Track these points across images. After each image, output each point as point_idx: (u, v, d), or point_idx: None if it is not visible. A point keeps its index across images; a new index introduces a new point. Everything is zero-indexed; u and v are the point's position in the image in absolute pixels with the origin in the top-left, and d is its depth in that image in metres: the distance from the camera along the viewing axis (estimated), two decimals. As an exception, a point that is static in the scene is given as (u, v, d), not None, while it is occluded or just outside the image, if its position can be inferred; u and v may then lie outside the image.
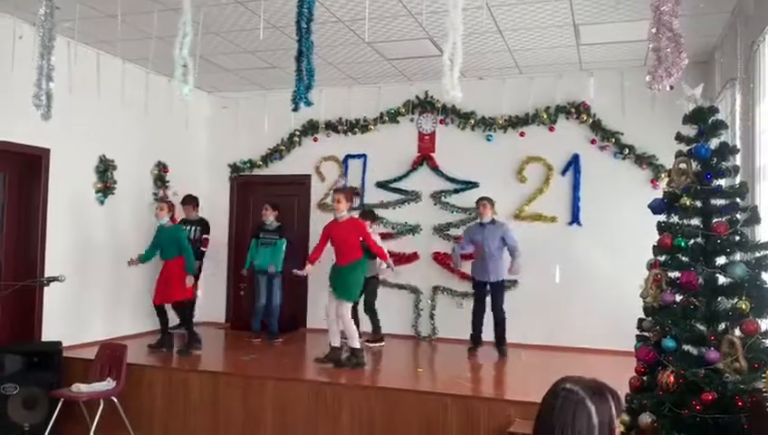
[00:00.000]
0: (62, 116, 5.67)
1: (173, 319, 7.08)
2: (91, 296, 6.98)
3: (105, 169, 7.16)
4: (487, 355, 6.87)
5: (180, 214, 7.69)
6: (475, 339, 6.97)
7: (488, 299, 6.95)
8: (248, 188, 8.91)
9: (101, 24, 6.16)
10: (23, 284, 5.72)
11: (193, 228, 7.83)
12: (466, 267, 7.25)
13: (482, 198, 7.01)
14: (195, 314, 7.60)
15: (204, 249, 7.89)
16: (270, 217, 7.63)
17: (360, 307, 7.31)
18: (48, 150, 6.46)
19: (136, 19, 5.93)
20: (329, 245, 6.36)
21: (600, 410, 1.66)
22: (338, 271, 6.27)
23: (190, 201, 7.87)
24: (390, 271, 7.08)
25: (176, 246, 6.72)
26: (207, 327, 8.53)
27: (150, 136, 7.82)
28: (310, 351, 7.40)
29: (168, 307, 6.90)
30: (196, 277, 7.68)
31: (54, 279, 4.87)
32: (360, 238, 6.27)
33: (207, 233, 7.94)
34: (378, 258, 6.67)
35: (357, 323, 7.04)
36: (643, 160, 7.25)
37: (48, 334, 6.34)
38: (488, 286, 6.90)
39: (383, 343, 7.33)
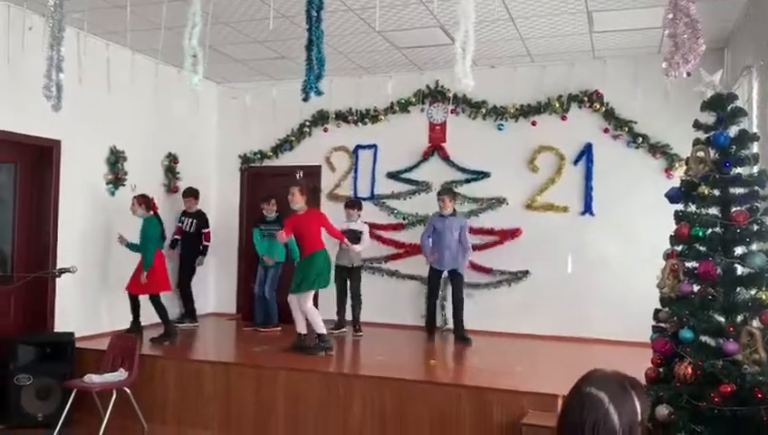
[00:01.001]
0: (73, 107, 5.66)
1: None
2: (103, 287, 7.00)
3: (116, 161, 7.16)
4: (496, 346, 6.84)
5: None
6: (431, 329, 7.18)
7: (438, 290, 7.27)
8: (258, 179, 8.88)
9: (111, 15, 6.14)
10: (35, 275, 5.75)
11: (190, 221, 7.84)
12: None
13: (443, 192, 7.12)
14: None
15: (207, 243, 7.90)
16: (271, 210, 7.79)
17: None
18: (59, 142, 6.46)
19: (145, 9, 5.90)
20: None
21: (624, 410, 1.62)
22: (300, 264, 6.48)
23: (190, 194, 7.85)
24: (352, 249, 7.15)
25: (143, 238, 6.77)
26: (218, 318, 8.56)
27: (160, 127, 7.81)
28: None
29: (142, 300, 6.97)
30: (192, 272, 7.86)
31: (66, 270, 4.87)
32: (322, 227, 6.50)
33: (206, 226, 7.93)
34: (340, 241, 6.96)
35: (343, 315, 7.41)
36: (656, 150, 7.16)
37: (60, 325, 6.36)
38: (443, 275, 7.13)
39: (362, 334, 7.44)
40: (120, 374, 5.59)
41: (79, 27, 6.21)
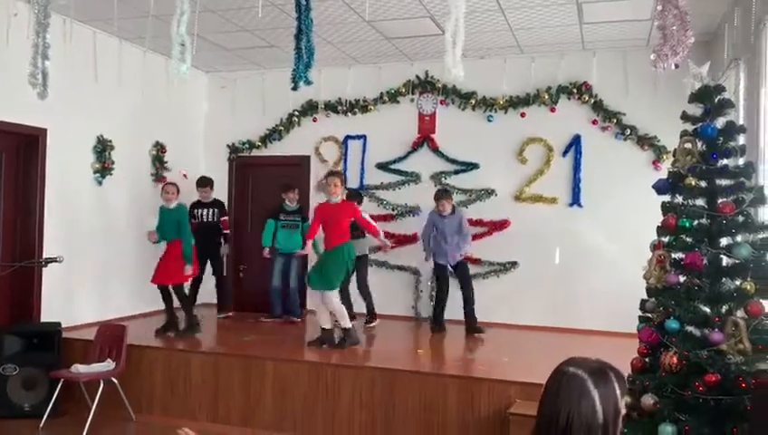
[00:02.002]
0: (59, 95, 5.61)
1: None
2: (90, 277, 6.95)
3: (103, 149, 7.09)
4: (484, 336, 6.87)
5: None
6: (440, 324, 7.06)
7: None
8: (247, 169, 8.85)
9: (97, 2, 6.06)
10: (21, 265, 5.71)
11: (209, 211, 7.72)
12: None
13: (440, 196, 7.01)
14: (195, 298, 7.53)
15: (227, 231, 7.82)
16: (294, 199, 7.64)
17: (354, 287, 7.42)
18: (45, 130, 6.39)
19: (132, -4, 5.84)
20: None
21: (604, 392, 1.64)
22: (325, 256, 6.27)
23: (207, 183, 7.77)
24: (387, 247, 7.06)
25: (175, 229, 6.61)
26: (209, 308, 8.52)
27: (148, 116, 7.74)
28: (310, 332, 7.39)
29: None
30: (220, 262, 7.70)
31: (53, 260, 4.85)
32: (353, 220, 6.31)
33: (225, 214, 7.84)
34: (371, 236, 6.73)
35: (350, 306, 7.15)
36: (644, 141, 7.20)
37: (47, 315, 6.32)
38: (449, 269, 7.04)
39: (377, 322, 7.39)
40: (108, 364, 5.58)
41: (65, 14, 6.13)
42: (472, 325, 6.91)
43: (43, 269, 6.13)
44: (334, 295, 6.19)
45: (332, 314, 6.20)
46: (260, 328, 7.30)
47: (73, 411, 5.67)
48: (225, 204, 8.15)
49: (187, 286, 6.98)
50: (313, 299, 6.40)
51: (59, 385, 5.46)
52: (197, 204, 7.76)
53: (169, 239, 6.65)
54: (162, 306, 6.81)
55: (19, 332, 5.88)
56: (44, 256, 6.12)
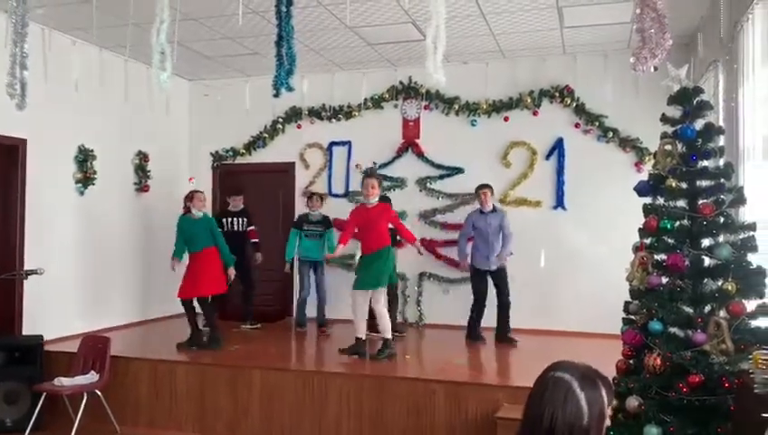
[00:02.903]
0: (39, 105, 5.55)
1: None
2: (72, 289, 6.87)
3: (84, 159, 7.02)
4: (471, 341, 6.86)
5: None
6: (476, 335, 6.82)
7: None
8: (231, 176, 8.80)
9: (76, 11, 6.02)
10: (1, 277, 5.63)
11: (239, 220, 7.62)
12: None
13: (483, 186, 6.83)
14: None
15: (256, 240, 7.72)
16: (318, 209, 7.51)
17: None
18: (25, 141, 6.32)
19: (111, 5, 5.80)
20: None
21: (590, 396, 1.65)
22: (366, 260, 6.07)
23: (240, 191, 7.69)
24: (420, 254, 6.85)
25: (208, 238, 6.44)
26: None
27: (130, 125, 7.68)
28: (297, 340, 7.37)
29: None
30: (249, 272, 7.55)
31: (33, 272, 4.81)
32: (390, 224, 6.15)
33: (252, 224, 7.73)
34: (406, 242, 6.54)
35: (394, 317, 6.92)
36: (627, 144, 7.25)
37: (29, 328, 6.23)
38: (489, 275, 6.81)
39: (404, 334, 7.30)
40: (91, 377, 5.51)
41: (43, 23, 6.09)
42: (505, 335, 6.73)
43: (24, 281, 6.05)
44: (384, 298, 6.05)
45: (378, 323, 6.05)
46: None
47: (57, 425, 5.59)
48: (210, 212, 8.09)
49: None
50: (350, 307, 6.23)
51: (41, 399, 5.38)
52: (226, 213, 7.63)
53: (197, 250, 6.47)
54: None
55: (0, 345, 5.79)
56: (25, 267, 6.04)
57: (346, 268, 7.79)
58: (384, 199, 7.11)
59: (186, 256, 6.61)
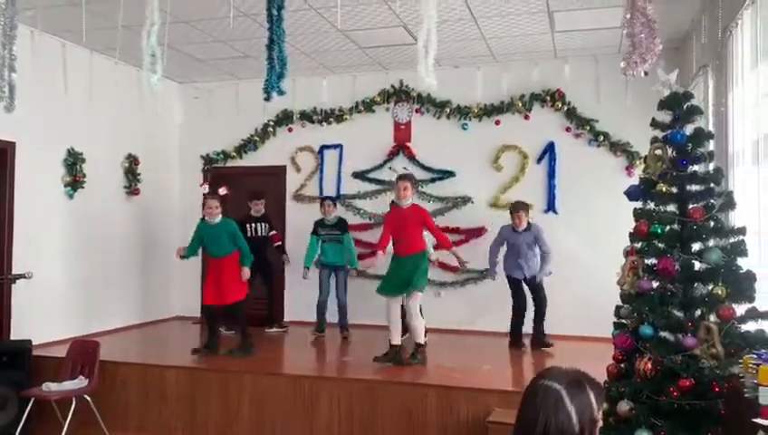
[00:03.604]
0: (28, 108, 5.52)
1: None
2: (61, 293, 6.80)
3: (74, 162, 6.97)
4: (463, 345, 6.86)
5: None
6: (517, 338, 6.74)
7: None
8: (222, 180, 8.73)
9: (65, 13, 5.98)
10: (-11, 281, 5.58)
11: (262, 225, 7.52)
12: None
13: (519, 208, 6.68)
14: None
15: (279, 244, 7.65)
16: (332, 213, 7.38)
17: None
18: (14, 144, 6.27)
19: (101, 7, 5.77)
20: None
21: (580, 403, 1.64)
22: (402, 262, 5.90)
23: (263, 196, 7.59)
24: (463, 266, 6.38)
25: (230, 242, 6.30)
26: (183, 322, 8.42)
27: (120, 128, 7.65)
28: (289, 344, 7.34)
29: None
30: (272, 276, 7.54)
31: (21, 276, 4.75)
32: (424, 227, 5.99)
33: (274, 228, 7.65)
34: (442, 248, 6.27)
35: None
36: (617, 148, 7.28)
37: (17, 333, 6.17)
38: (523, 282, 6.76)
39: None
40: (80, 381, 5.46)
41: (32, 26, 6.05)
42: (540, 338, 6.66)
43: (13, 286, 6.00)
44: (419, 302, 5.93)
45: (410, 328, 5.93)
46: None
47: (45, 431, 5.54)
48: (200, 215, 8.03)
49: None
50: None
51: (30, 404, 5.32)
52: (249, 218, 7.53)
53: (220, 256, 6.33)
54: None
55: (-12, 350, 5.74)
56: (13, 271, 5.99)
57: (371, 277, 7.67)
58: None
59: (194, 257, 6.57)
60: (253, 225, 7.50)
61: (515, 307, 6.81)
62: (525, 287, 6.79)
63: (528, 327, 6.79)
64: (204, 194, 6.59)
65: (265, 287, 7.63)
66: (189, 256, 6.46)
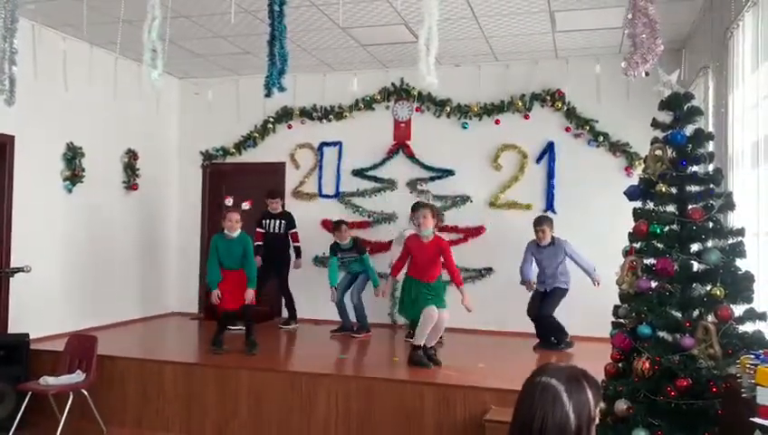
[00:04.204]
0: (28, 102, 5.52)
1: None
2: (59, 287, 6.80)
3: (73, 157, 6.96)
4: (460, 343, 6.87)
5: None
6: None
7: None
8: (221, 176, 8.76)
9: (66, 7, 5.97)
10: (-13, 275, 5.58)
11: (278, 222, 7.50)
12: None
13: (542, 223, 6.58)
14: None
15: (297, 244, 7.61)
16: (347, 239, 7.25)
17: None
18: (13, 137, 6.26)
19: (102, 1, 5.76)
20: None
21: (578, 401, 1.65)
22: (420, 286, 5.75)
23: (278, 195, 7.61)
24: (467, 309, 5.86)
25: (240, 259, 6.24)
26: (181, 318, 8.43)
27: (120, 122, 7.64)
28: (285, 341, 7.34)
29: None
30: (287, 272, 7.51)
31: (19, 270, 4.76)
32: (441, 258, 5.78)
33: (294, 226, 7.59)
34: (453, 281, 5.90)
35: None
36: (617, 148, 7.29)
37: (15, 326, 6.16)
38: (541, 295, 6.71)
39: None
40: (78, 376, 5.45)
41: (33, 19, 6.03)
42: (557, 342, 6.60)
43: (11, 279, 5.99)
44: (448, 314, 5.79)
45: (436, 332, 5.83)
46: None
47: (42, 425, 5.52)
48: (199, 211, 8.06)
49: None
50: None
51: (27, 398, 5.32)
52: (266, 214, 7.54)
53: (235, 268, 6.26)
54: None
55: (-15, 344, 5.74)
56: (12, 265, 5.98)
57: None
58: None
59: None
60: (269, 221, 7.55)
61: (528, 309, 6.74)
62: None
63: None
64: (227, 207, 6.48)
65: (278, 283, 7.57)
66: (215, 285, 6.23)
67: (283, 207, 7.75)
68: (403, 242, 6.03)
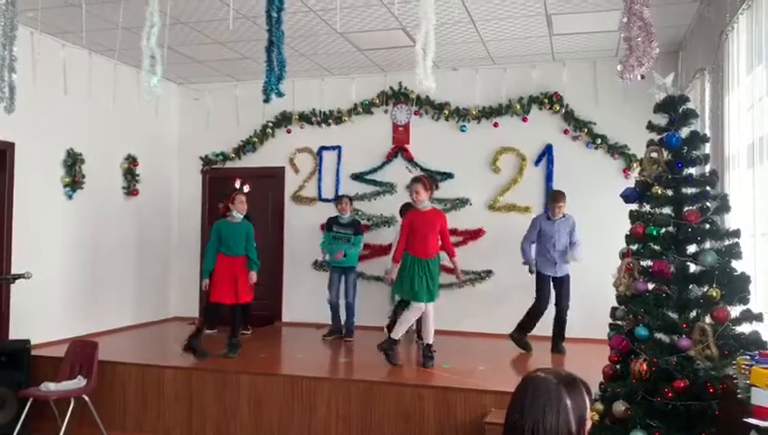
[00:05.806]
0: (28, 109, 5.53)
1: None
2: (60, 293, 6.83)
3: (73, 163, 7.00)
4: (460, 346, 6.88)
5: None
6: (522, 334, 6.61)
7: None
8: (220, 181, 8.77)
9: (66, 14, 6.01)
10: (-12, 281, 5.60)
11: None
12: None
13: (559, 199, 6.49)
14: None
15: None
16: (347, 211, 7.31)
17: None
18: (13, 144, 6.30)
19: (101, 9, 5.80)
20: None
21: (574, 400, 1.66)
22: (425, 263, 5.77)
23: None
24: (459, 279, 6.31)
25: (242, 244, 6.24)
26: (181, 322, 8.43)
27: (119, 129, 7.67)
28: (285, 345, 7.36)
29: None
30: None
31: (20, 276, 4.77)
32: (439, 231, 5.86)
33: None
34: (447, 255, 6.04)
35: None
36: (615, 150, 7.31)
37: (16, 332, 6.19)
38: (553, 281, 6.60)
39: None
40: (79, 382, 5.47)
41: (32, 26, 6.06)
42: (558, 344, 6.53)
43: (12, 286, 6.02)
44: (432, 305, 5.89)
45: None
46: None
47: (43, 431, 5.55)
48: (198, 216, 8.06)
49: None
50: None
51: (28, 404, 5.33)
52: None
53: (235, 254, 6.24)
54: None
55: (-14, 350, 5.76)
56: (12, 271, 6.00)
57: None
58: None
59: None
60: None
61: (536, 307, 6.60)
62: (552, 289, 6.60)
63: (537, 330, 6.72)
64: (236, 189, 6.52)
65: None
66: (208, 274, 6.25)
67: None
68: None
